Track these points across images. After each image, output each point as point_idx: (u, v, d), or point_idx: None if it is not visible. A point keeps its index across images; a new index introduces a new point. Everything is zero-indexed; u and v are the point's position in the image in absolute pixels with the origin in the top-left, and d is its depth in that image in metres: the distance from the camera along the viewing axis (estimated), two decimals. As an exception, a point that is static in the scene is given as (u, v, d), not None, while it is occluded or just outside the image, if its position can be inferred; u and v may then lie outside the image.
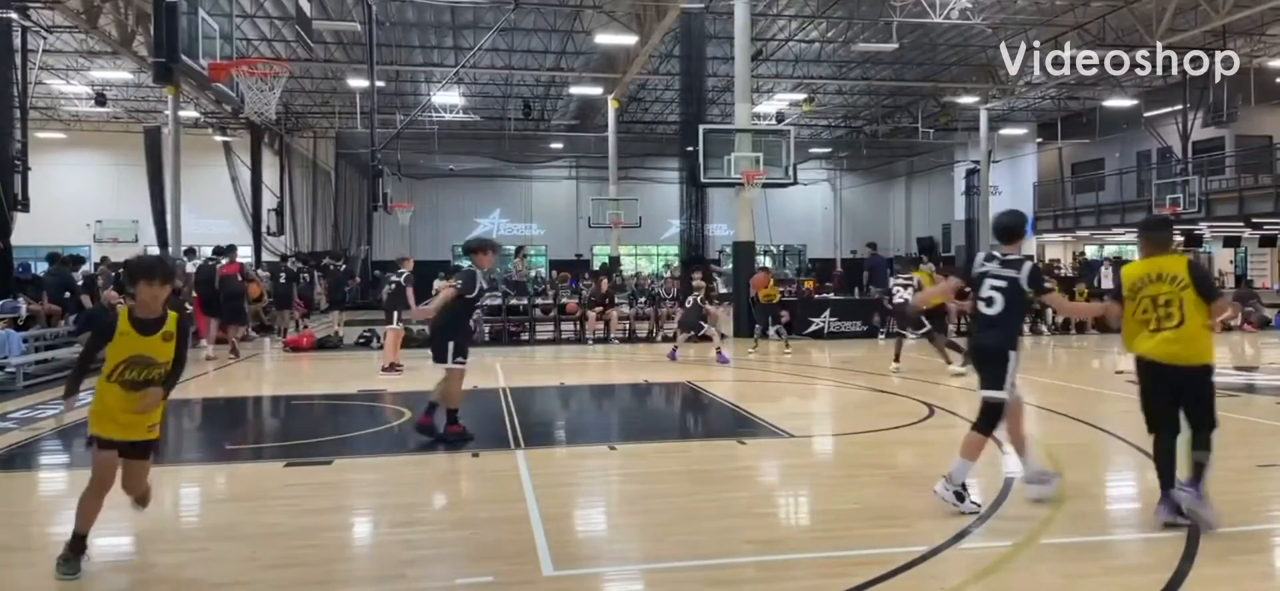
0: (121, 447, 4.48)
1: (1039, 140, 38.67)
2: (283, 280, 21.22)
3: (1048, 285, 5.73)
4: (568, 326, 18.48)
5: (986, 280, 5.47)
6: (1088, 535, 5.05)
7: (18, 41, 17.30)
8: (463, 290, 7.66)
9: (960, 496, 5.33)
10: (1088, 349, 16.67)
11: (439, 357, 7.67)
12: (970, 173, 37.07)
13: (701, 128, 18.61)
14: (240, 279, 16.54)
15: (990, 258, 5.58)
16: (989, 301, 5.47)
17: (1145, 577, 4.35)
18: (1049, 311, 19.98)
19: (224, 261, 16.25)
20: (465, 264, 8.05)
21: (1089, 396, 10.62)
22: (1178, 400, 5.04)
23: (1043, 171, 38.72)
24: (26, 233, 17.75)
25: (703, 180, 18.98)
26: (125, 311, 4.45)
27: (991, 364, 5.48)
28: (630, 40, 24.04)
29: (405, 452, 7.64)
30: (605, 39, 23.93)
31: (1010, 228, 5.67)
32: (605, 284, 18.83)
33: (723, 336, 17.81)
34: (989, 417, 5.46)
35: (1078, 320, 19.03)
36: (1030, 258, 5.61)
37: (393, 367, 12.74)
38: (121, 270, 4.24)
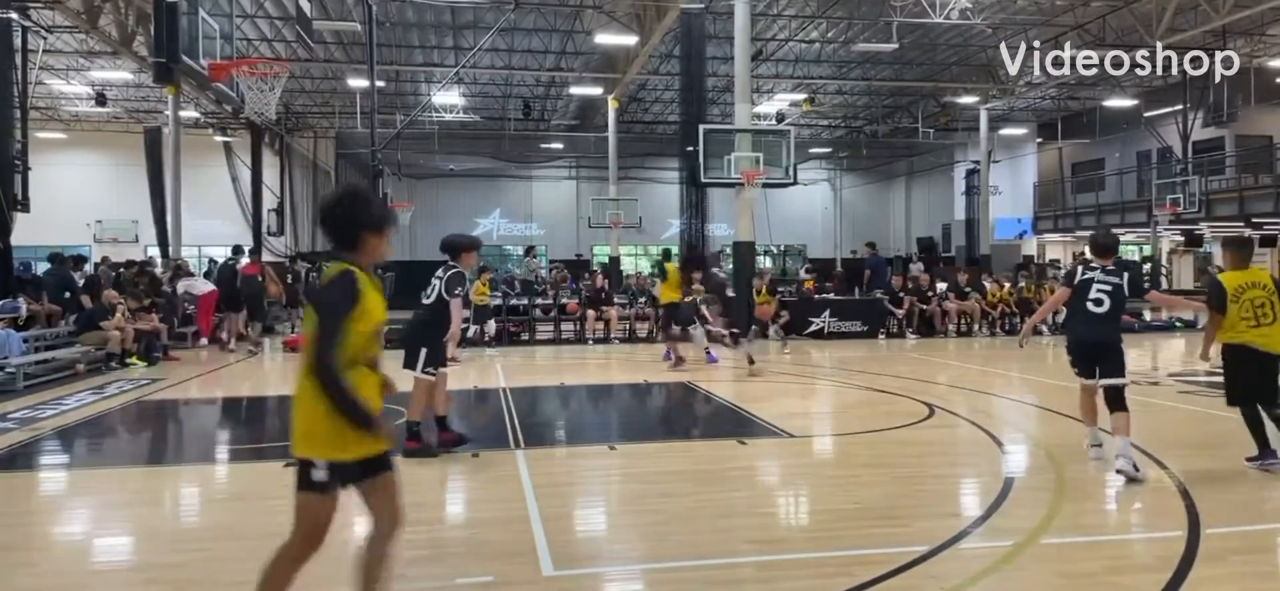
0: (368, 466, 3.26)
1: (1039, 140, 38.68)
2: (288, 281, 21.31)
3: (1147, 287, 7.07)
4: (568, 326, 18.49)
5: (1094, 285, 6.60)
6: (1088, 535, 5.06)
7: (18, 41, 17.29)
8: (462, 296, 7.21)
9: (1136, 467, 6.24)
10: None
11: (409, 364, 7.06)
12: (970, 173, 37.07)
13: (701, 128, 18.60)
14: (260, 279, 17.29)
15: (1090, 267, 6.71)
16: (1098, 302, 6.57)
17: (1146, 577, 4.35)
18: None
19: (245, 261, 17.17)
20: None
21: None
22: (1261, 379, 6.41)
23: (1043, 171, 38.73)
24: (27, 233, 17.74)
25: (703, 180, 18.96)
26: (361, 272, 3.19)
27: (1113, 355, 6.58)
28: (630, 40, 24.04)
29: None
30: (605, 39, 23.93)
31: (1107, 245, 6.88)
32: (601, 281, 18.89)
33: (723, 338, 17.82)
34: (1121, 397, 6.53)
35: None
36: (1128, 266, 6.65)
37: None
38: (360, 207, 2.62)
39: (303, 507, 3.18)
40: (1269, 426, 6.47)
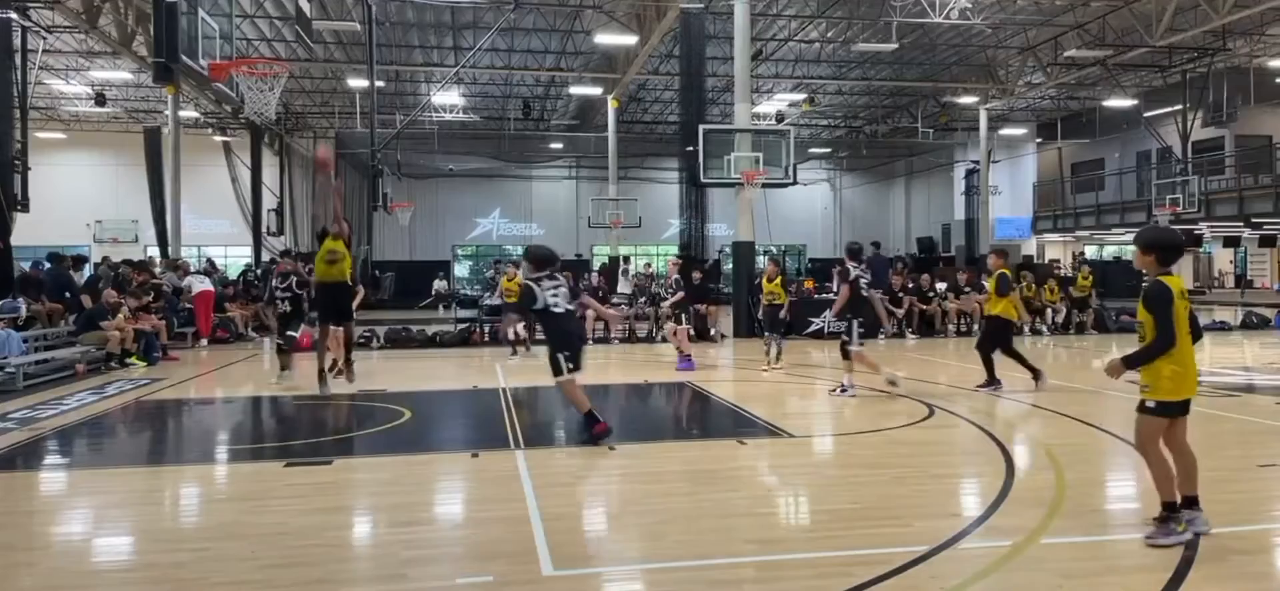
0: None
1: (1039, 140, 38.71)
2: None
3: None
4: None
5: (863, 281, 10.66)
6: (1088, 535, 5.06)
7: (17, 41, 17.31)
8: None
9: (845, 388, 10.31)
10: (1087, 349, 16.68)
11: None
12: (970, 173, 37.11)
13: (701, 128, 18.61)
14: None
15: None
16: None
17: (1146, 577, 4.35)
18: (1049, 312, 20.01)
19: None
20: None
21: (1088, 397, 10.63)
22: (1006, 336, 11.04)
23: (1043, 171, 38.75)
24: (27, 233, 17.77)
25: (703, 180, 18.99)
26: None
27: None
28: (630, 40, 24.05)
29: (405, 452, 7.65)
30: (605, 39, 23.94)
31: (857, 250, 11.13)
32: (597, 279, 18.91)
33: (722, 337, 17.84)
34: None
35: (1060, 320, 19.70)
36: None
37: None
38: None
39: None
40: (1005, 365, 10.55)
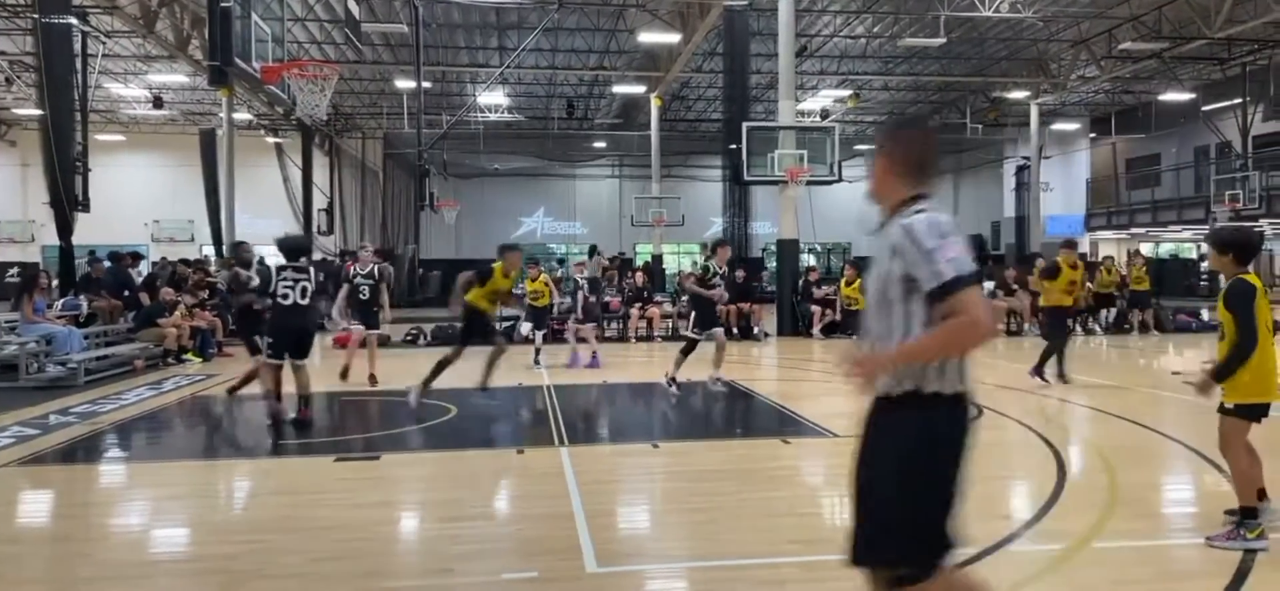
0: None
1: (1092, 135, 37.84)
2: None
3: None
4: (611, 324, 18.53)
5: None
6: (1141, 540, 4.95)
7: (78, 46, 17.84)
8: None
9: (673, 381, 10.28)
10: (1144, 350, 16.29)
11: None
12: (1021, 169, 36.42)
13: (745, 125, 18.51)
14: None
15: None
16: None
17: (1201, 583, 4.24)
18: (1104, 312, 19.57)
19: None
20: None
21: (1143, 398, 10.38)
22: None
23: (1096, 167, 37.89)
24: (87, 232, 18.28)
25: (746, 178, 18.88)
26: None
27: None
28: (673, 38, 24.02)
29: (452, 448, 7.74)
30: (648, 37, 23.94)
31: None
32: (642, 278, 18.89)
33: (766, 336, 17.72)
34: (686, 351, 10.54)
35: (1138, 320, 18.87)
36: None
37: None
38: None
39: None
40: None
